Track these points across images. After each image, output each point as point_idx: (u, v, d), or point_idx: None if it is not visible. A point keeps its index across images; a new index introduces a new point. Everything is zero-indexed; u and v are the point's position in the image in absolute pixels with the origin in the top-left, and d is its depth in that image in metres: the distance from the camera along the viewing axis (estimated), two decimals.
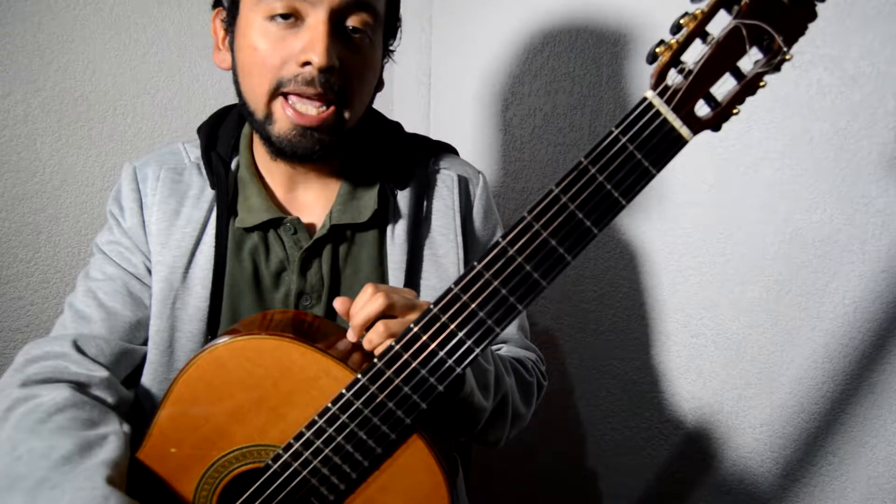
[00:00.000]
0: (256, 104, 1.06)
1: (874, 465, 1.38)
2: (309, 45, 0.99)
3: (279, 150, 1.07)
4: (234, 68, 1.10)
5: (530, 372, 1.24)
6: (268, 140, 1.07)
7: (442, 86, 2.01)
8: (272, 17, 1.01)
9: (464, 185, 1.26)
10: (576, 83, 1.70)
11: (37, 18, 1.55)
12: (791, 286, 1.43)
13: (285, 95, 1.03)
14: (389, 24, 1.15)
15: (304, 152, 1.06)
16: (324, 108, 1.03)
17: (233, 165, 1.19)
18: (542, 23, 1.73)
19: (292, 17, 1.00)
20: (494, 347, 1.25)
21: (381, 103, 2.12)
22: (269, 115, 1.05)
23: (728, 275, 1.51)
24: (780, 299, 1.45)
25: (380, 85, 1.18)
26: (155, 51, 1.72)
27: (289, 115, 1.03)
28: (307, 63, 1.00)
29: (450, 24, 1.95)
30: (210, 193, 1.15)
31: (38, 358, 1.04)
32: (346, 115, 1.07)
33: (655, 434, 1.68)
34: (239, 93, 1.10)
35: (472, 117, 1.92)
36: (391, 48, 1.20)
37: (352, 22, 1.03)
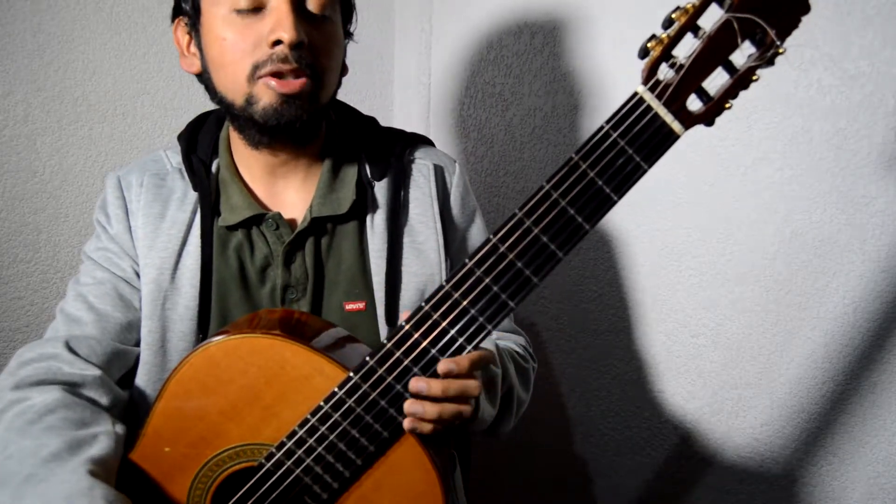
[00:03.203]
0: (235, 92, 1.07)
1: (874, 465, 1.37)
2: (276, 24, 1.02)
3: (265, 126, 1.08)
4: (204, 68, 1.12)
5: (526, 358, 1.27)
6: (251, 122, 1.09)
7: (442, 86, 2.01)
8: (236, 10, 1.04)
9: (440, 174, 1.28)
10: (576, 83, 1.69)
11: (37, 18, 1.56)
12: (791, 286, 1.43)
13: (263, 76, 1.05)
14: (345, 7, 1.18)
15: (290, 120, 1.07)
16: (300, 79, 1.05)
17: (213, 168, 1.21)
18: (542, 23, 1.73)
19: (255, 6, 1.04)
20: None
21: (381, 103, 2.14)
22: (250, 97, 1.06)
23: (728, 275, 1.50)
24: (780, 299, 1.44)
25: (344, 70, 1.20)
26: (155, 51, 1.72)
27: (272, 87, 1.04)
28: (277, 42, 1.03)
29: (450, 25, 1.95)
30: (193, 195, 1.17)
31: (31, 360, 1.05)
32: (320, 88, 1.10)
33: (655, 434, 1.67)
34: (213, 90, 1.12)
35: (472, 117, 1.92)
36: (350, 30, 1.23)
37: (311, 3, 1.07)
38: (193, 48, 1.14)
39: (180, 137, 1.24)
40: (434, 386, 0.90)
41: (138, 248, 1.14)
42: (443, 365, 0.90)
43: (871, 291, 1.34)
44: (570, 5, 1.67)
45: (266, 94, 1.05)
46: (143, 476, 0.98)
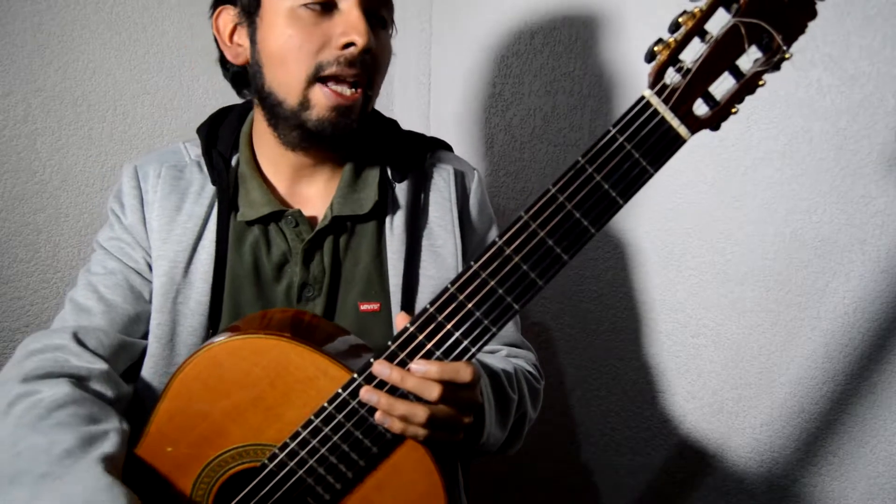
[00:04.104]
0: (288, 92, 1.08)
1: (874, 465, 1.38)
2: (351, 27, 1.03)
3: (314, 133, 1.09)
4: (254, 61, 1.12)
5: (537, 378, 1.27)
6: (301, 127, 1.09)
7: (442, 86, 2.00)
8: (304, 5, 1.04)
9: (460, 179, 1.28)
10: (576, 83, 1.69)
11: (37, 18, 1.55)
12: (791, 286, 1.43)
13: (322, 80, 1.06)
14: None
15: (342, 130, 1.09)
16: (354, 90, 1.07)
17: (232, 163, 1.20)
18: (542, 23, 1.73)
19: (325, 4, 1.04)
20: (494, 348, 1.27)
21: (381, 103, 2.13)
22: (304, 102, 1.07)
23: (728, 275, 1.51)
24: (780, 299, 1.45)
25: None
26: (155, 51, 1.72)
27: (327, 97, 1.06)
28: (349, 45, 1.04)
29: (450, 24, 1.95)
30: (211, 189, 1.17)
31: (38, 351, 1.04)
32: (370, 98, 1.12)
33: (655, 434, 1.68)
34: (261, 85, 1.11)
35: (472, 117, 1.92)
36: None
37: (378, 12, 1.09)
38: (241, 39, 1.14)
39: (200, 130, 1.23)
40: (394, 374, 0.89)
41: (152, 239, 1.14)
42: (413, 365, 0.90)
43: (871, 291, 1.35)
44: (569, 5, 1.67)
45: (321, 102, 1.06)
46: (145, 475, 0.98)
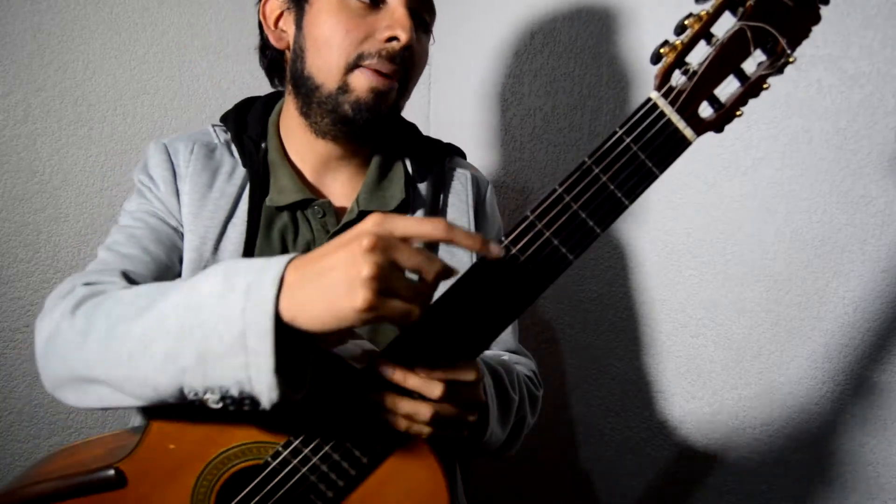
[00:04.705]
0: (327, 76, 1.11)
1: (874, 466, 1.38)
2: (396, 23, 1.07)
3: (349, 119, 1.11)
4: (297, 45, 1.15)
5: (537, 385, 1.29)
6: (335, 112, 1.12)
7: (442, 86, 2.01)
8: None
9: (475, 184, 1.32)
10: (576, 83, 1.70)
11: (37, 18, 1.55)
12: (791, 286, 1.43)
13: (362, 68, 1.09)
14: None
15: (376, 114, 1.11)
16: (393, 81, 1.11)
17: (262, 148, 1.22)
18: (542, 23, 1.73)
19: None
20: (494, 353, 1.28)
21: None
22: (343, 86, 1.10)
23: (728, 275, 1.51)
24: (781, 299, 1.45)
25: None
26: (155, 51, 1.72)
27: (367, 78, 1.09)
28: (392, 39, 1.07)
29: (449, 25, 1.95)
30: (241, 172, 1.18)
31: (89, 283, 0.98)
32: (403, 95, 1.16)
33: (655, 434, 1.68)
34: (301, 69, 1.14)
35: (472, 117, 1.92)
36: None
37: (422, 14, 1.14)
38: (285, 24, 1.17)
39: (226, 118, 1.25)
40: (397, 374, 0.89)
41: (184, 214, 1.14)
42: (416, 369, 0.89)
43: (871, 291, 1.35)
44: (569, 5, 1.67)
45: (360, 86, 1.09)
46: (146, 473, 0.98)
